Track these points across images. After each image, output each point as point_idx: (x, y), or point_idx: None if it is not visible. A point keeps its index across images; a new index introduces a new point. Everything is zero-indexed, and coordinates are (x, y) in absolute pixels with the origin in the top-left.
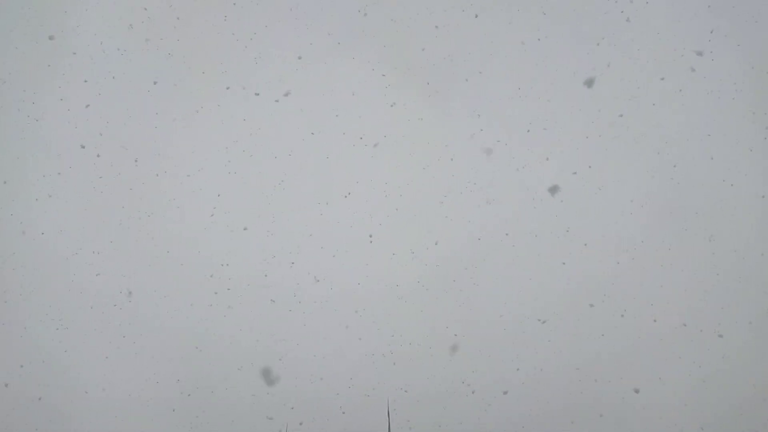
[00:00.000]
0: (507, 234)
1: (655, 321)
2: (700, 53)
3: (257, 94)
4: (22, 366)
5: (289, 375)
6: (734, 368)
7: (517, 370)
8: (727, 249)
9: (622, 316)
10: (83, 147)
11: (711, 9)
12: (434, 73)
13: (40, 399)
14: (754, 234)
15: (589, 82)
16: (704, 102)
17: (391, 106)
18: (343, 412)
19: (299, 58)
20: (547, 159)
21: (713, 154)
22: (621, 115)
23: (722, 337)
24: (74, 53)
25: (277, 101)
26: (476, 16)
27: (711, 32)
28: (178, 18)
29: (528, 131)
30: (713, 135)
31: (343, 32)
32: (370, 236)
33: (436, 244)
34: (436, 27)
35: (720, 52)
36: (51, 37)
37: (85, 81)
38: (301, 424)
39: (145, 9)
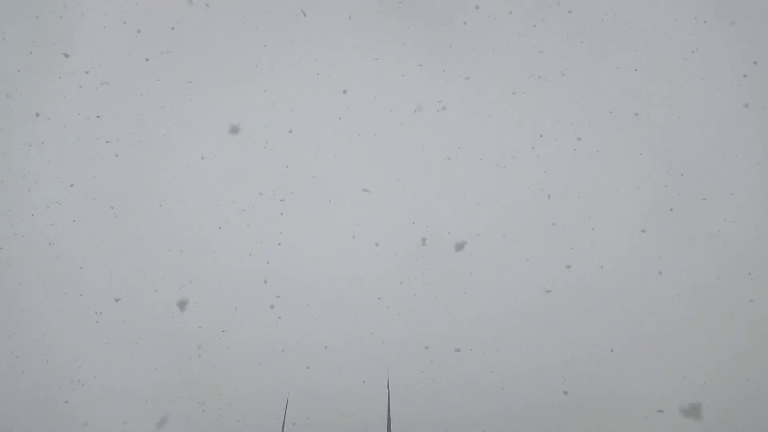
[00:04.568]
0: (503, 227)
1: (649, 320)
2: (696, 50)
3: (263, 93)
4: (26, 362)
5: (292, 374)
6: (733, 370)
7: (515, 366)
8: (726, 247)
9: (615, 313)
10: (79, 146)
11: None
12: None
13: (38, 393)
14: (755, 233)
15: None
16: (704, 99)
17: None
18: (344, 411)
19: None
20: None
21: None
22: (611, 112)
23: (721, 337)
24: (76, 55)
25: (274, 89)
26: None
27: (712, 31)
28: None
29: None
30: (713, 136)
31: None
32: (377, 243)
33: (441, 235)
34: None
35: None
36: (62, 51)
37: (84, 86)
38: (308, 419)
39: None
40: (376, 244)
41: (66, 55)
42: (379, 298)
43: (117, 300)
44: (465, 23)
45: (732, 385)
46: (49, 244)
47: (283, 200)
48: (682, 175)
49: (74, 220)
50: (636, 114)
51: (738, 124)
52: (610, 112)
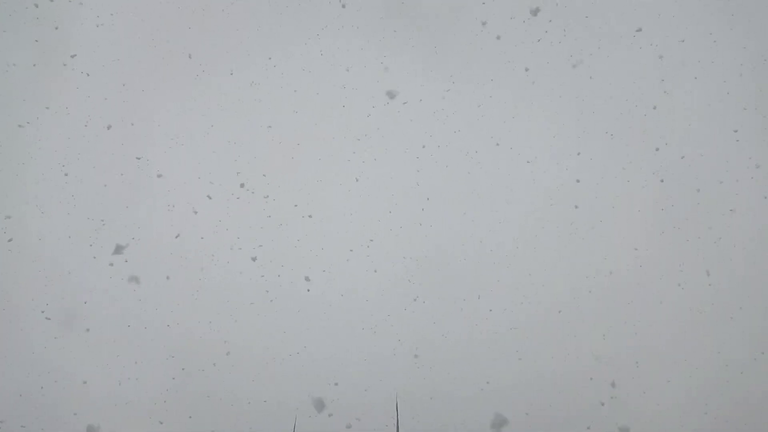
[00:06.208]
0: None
1: (660, 322)
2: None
3: (258, 88)
4: (22, 361)
5: (292, 373)
6: (735, 372)
7: (518, 364)
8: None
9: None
10: (78, 144)
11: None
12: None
13: (36, 393)
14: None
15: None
16: (705, 99)
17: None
18: (353, 417)
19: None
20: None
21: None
22: (621, 113)
23: (723, 342)
24: (73, 55)
25: (281, 88)
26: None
27: (711, 33)
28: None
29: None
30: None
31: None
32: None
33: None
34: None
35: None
36: (51, 37)
37: (88, 75)
38: (309, 417)
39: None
40: (386, 254)
41: (72, 56)
42: (384, 309)
43: (120, 304)
44: (482, 26)
45: (735, 389)
46: (51, 245)
47: (296, 205)
48: (696, 186)
49: (76, 222)
50: (644, 115)
51: (746, 131)
52: (621, 114)
